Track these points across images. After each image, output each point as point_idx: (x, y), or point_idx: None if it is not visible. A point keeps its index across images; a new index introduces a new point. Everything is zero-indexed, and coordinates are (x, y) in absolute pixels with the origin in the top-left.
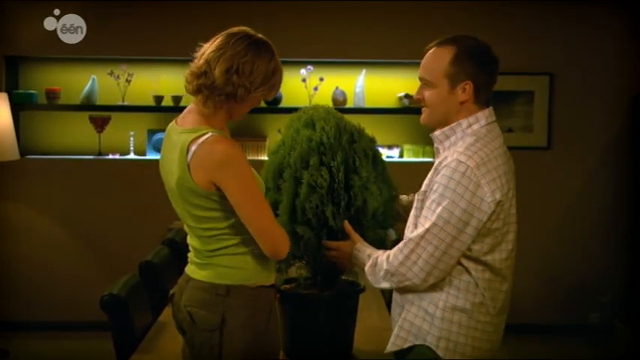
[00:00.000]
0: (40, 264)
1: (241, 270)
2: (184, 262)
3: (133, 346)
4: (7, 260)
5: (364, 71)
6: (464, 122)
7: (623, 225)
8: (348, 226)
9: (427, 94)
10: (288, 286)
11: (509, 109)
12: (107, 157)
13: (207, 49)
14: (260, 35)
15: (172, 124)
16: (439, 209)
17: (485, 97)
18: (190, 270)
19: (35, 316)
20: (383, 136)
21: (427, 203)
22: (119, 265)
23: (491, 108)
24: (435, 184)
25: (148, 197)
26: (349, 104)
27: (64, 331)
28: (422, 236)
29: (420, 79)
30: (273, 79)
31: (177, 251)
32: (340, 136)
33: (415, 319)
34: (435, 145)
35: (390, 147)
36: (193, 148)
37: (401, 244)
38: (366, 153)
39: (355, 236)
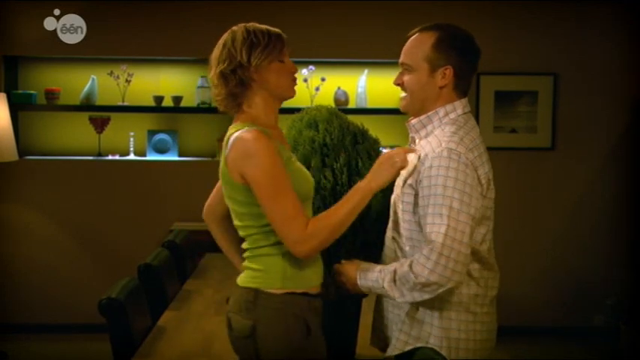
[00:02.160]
0: (39, 266)
1: (267, 273)
2: (184, 264)
3: (131, 350)
4: (6, 262)
5: (366, 71)
6: (441, 110)
7: (628, 226)
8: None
9: (407, 78)
10: None
11: (512, 109)
12: (107, 157)
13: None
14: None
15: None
16: (448, 202)
17: (464, 86)
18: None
19: (34, 318)
20: (385, 137)
21: (430, 200)
22: (119, 267)
23: (467, 98)
24: (430, 178)
25: (148, 198)
26: (351, 105)
27: (63, 334)
28: (445, 235)
29: (401, 64)
30: (260, 41)
31: (177, 253)
32: (343, 138)
33: (413, 322)
34: (411, 134)
35: (392, 148)
36: (231, 141)
37: (425, 252)
38: (370, 154)
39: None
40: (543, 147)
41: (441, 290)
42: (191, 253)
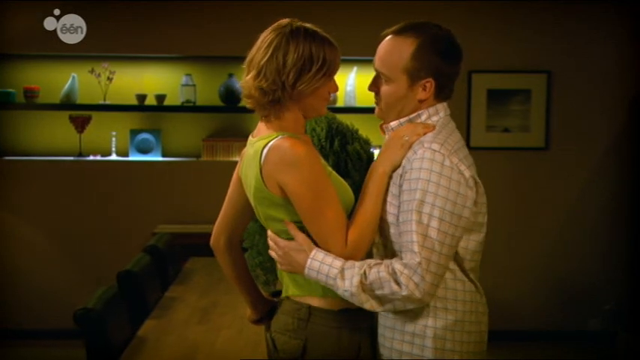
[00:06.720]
0: (18, 269)
1: (325, 289)
2: (166, 270)
3: None
4: None
5: (355, 69)
6: (423, 114)
7: (624, 228)
8: (292, 227)
9: (384, 88)
10: (275, 298)
11: (505, 108)
12: (88, 158)
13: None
14: (297, 23)
15: (249, 139)
16: (428, 209)
17: (447, 93)
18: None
19: (12, 324)
20: (376, 137)
21: (409, 206)
22: (100, 270)
23: (447, 102)
24: (411, 182)
25: (130, 200)
26: (339, 103)
27: (42, 339)
28: (429, 249)
29: (376, 70)
30: (312, 66)
31: (160, 259)
32: (332, 139)
33: (403, 346)
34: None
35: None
36: (265, 152)
37: (411, 264)
38: (360, 155)
39: (305, 241)
40: (537, 147)
41: (412, 305)
42: (174, 258)
